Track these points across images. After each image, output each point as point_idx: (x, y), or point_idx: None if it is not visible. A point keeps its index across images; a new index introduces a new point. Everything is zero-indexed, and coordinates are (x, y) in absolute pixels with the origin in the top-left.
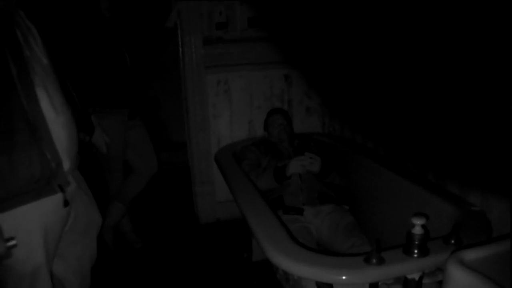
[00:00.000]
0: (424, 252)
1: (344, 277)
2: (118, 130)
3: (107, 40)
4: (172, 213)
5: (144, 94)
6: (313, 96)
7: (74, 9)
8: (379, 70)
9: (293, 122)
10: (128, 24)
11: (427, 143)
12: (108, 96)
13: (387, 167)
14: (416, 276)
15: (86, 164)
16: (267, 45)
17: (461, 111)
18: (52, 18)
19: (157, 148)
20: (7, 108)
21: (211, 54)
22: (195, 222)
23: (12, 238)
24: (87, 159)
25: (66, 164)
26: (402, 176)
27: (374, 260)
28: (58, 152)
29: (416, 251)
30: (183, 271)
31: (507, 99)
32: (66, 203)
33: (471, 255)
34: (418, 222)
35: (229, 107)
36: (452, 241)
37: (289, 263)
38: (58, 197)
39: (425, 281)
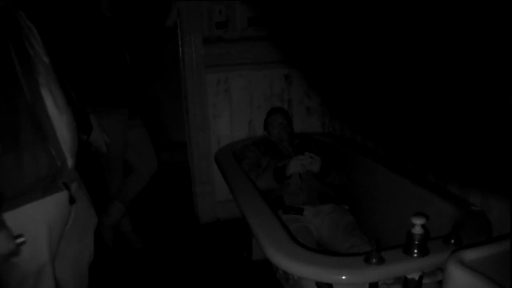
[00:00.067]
0: (424, 252)
1: (344, 277)
2: (118, 129)
3: (107, 40)
4: (172, 213)
5: (144, 94)
6: (313, 96)
7: (75, 9)
8: (379, 70)
9: (293, 122)
10: (128, 24)
11: (427, 143)
12: (108, 95)
13: (387, 167)
14: (416, 276)
15: (86, 164)
16: (267, 44)
17: (461, 111)
18: (52, 18)
19: (157, 148)
20: (13, 106)
21: (211, 54)
22: (195, 222)
23: (20, 235)
24: (86, 159)
25: (70, 162)
26: (402, 176)
27: (374, 260)
28: (63, 150)
29: (416, 251)
30: (183, 271)
31: (507, 99)
32: (71, 200)
33: (471, 255)
34: (418, 222)
35: (229, 107)
36: (452, 241)
37: (289, 263)
38: (61, 195)
39: (425, 281)
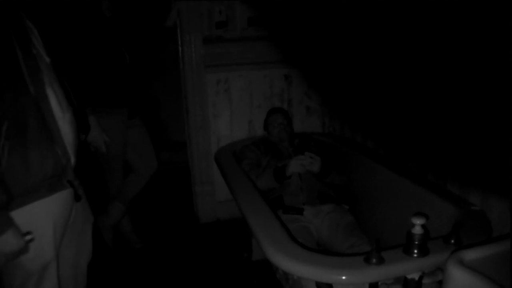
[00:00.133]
0: (424, 252)
1: (344, 277)
2: (118, 129)
3: (107, 40)
4: (172, 213)
5: (144, 94)
6: (313, 95)
7: (75, 9)
8: (379, 70)
9: (293, 121)
10: (128, 24)
11: (427, 143)
12: (107, 95)
13: (387, 167)
14: (416, 276)
15: (85, 163)
16: (267, 44)
17: (461, 111)
18: (52, 18)
19: (157, 148)
20: (20, 105)
21: (211, 54)
22: (195, 222)
23: (29, 233)
24: (85, 158)
25: (73, 160)
26: (402, 176)
27: (374, 260)
28: (67, 148)
29: (416, 251)
30: (183, 271)
31: (507, 99)
32: (77, 197)
33: (471, 255)
34: (418, 222)
35: (229, 107)
36: (452, 241)
37: (288, 263)
38: (65, 193)
39: (425, 281)
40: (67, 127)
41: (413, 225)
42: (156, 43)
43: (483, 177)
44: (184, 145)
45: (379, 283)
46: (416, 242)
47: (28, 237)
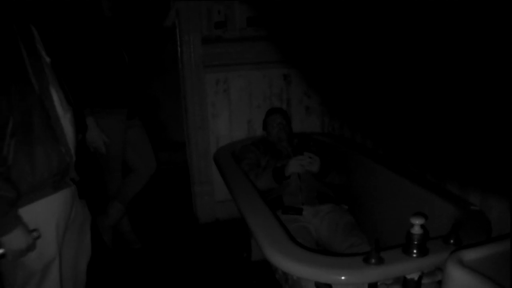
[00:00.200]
0: (423, 252)
1: (343, 277)
2: (118, 130)
3: (106, 40)
4: (171, 213)
5: (143, 94)
6: (313, 95)
7: (75, 9)
8: (379, 69)
9: (293, 121)
10: (127, 24)
11: (427, 143)
12: (107, 96)
13: (387, 167)
14: (415, 276)
15: (84, 163)
16: (266, 44)
17: (460, 111)
18: (52, 18)
19: (156, 148)
20: (26, 103)
21: (210, 54)
22: (194, 222)
23: (35, 230)
24: (84, 158)
25: (73, 159)
26: (402, 175)
27: (373, 260)
28: (70, 146)
29: (415, 251)
30: (183, 271)
31: (507, 99)
32: (82, 194)
33: (470, 255)
34: (417, 222)
35: (228, 107)
36: (452, 241)
37: (288, 263)
38: (66, 192)
39: (425, 281)
40: (69, 126)
41: (413, 225)
42: (155, 43)
43: (483, 177)
44: (183, 145)
45: (379, 283)
46: (416, 242)
47: (35, 234)
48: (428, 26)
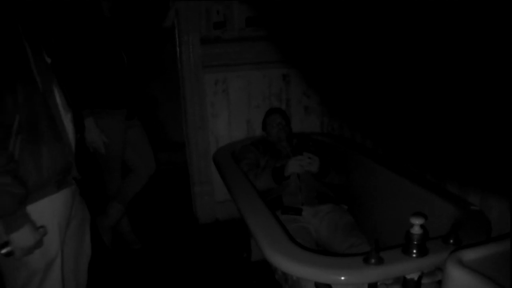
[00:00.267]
0: (423, 252)
1: (343, 278)
2: (117, 130)
3: (105, 41)
4: (171, 213)
5: (142, 94)
6: (312, 95)
7: (76, 10)
8: (379, 69)
9: (292, 121)
10: (126, 24)
11: (426, 143)
12: (106, 96)
13: (386, 167)
14: (415, 276)
15: (83, 163)
16: (265, 44)
17: (460, 111)
18: (52, 18)
19: (156, 148)
20: (32, 103)
21: (209, 54)
22: (194, 222)
23: (42, 227)
24: (83, 158)
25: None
26: (401, 175)
27: (373, 260)
28: (72, 146)
29: (415, 251)
30: (182, 272)
31: (506, 99)
32: (84, 192)
33: (470, 255)
34: (417, 222)
35: (228, 107)
36: (451, 241)
37: (287, 264)
38: (67, 191)
39: (424, 281)
40: (70, 126)
41: (412, 225)
42: (154, 43)
43: (483, 177)
44: (182, 145)
45: (378, 283)
46: (415, 242)
47: (42, 231)
48: (427, 26)
